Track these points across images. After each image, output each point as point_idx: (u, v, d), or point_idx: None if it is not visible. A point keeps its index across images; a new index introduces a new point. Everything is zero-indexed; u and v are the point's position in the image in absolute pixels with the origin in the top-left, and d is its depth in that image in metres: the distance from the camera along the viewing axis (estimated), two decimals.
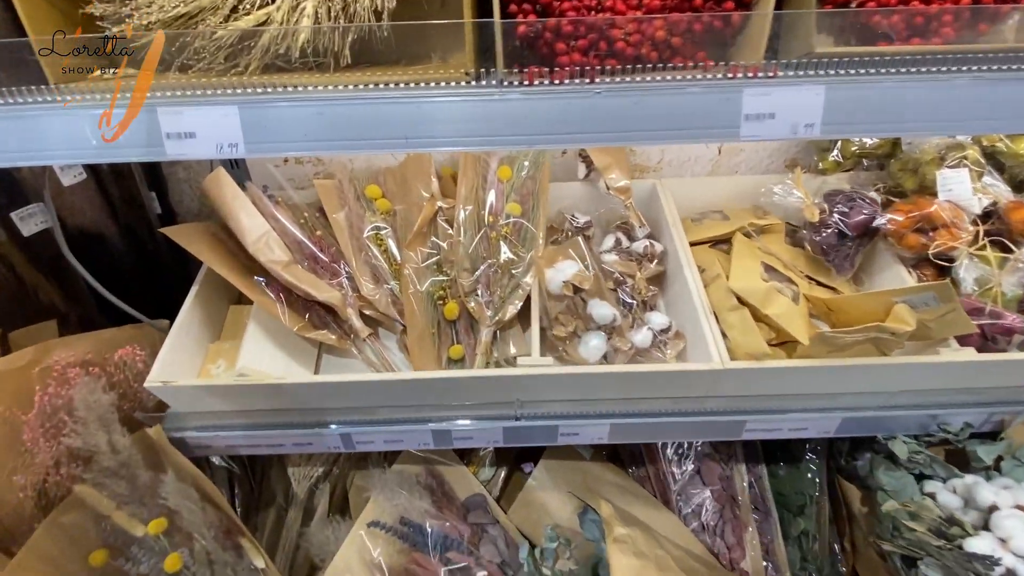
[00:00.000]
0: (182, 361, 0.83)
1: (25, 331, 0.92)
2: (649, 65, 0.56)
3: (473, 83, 0.57)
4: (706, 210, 1.06)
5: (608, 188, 0.98)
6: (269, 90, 0.56)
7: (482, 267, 0.86)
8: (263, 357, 0.82)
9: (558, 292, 0.82)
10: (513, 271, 0.87)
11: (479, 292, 0.86)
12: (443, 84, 0.57)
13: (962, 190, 0.84)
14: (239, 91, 0.56)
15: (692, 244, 0.95)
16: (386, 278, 0.90)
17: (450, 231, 0.91)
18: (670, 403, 0.81)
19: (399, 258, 0.91)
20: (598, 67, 0.55)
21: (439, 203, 0.91)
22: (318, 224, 0.93)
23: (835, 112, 0.55)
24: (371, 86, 0.56)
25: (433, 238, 0.91)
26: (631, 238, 0.98)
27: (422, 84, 0.57)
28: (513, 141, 0.57)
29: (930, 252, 0.83)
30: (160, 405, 0.84)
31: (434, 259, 0.90)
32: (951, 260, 0.85)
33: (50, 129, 0.57)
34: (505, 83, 0.56)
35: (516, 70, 0.56)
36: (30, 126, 0.56)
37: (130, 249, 1.00)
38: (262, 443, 0.82)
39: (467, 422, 0.80)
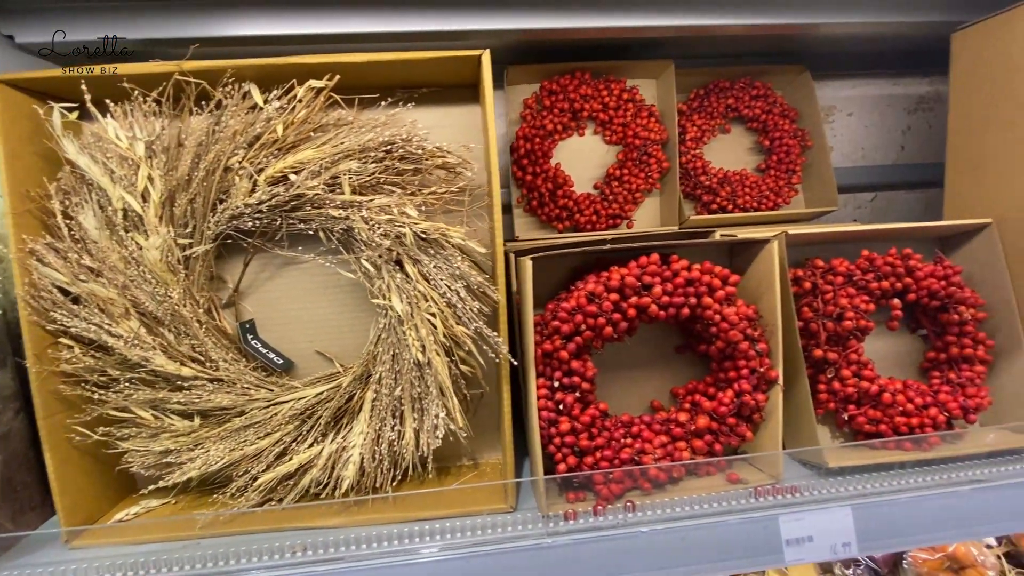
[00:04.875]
0: None
1: None
2: (688, 501, 0.59)
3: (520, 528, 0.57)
4: None
5: None
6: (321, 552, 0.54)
7: None
8: None
9: None
10: None
11: None
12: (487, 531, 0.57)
13: None
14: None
15: None
16: None
17: None
18: None
19: None
20: (638, 503, 0.57)
21: None
22: None
23: (867, 531, 0.57)
24: (418, 540, 0.55)
25: None
26: None
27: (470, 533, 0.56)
28: None
29: None
30: None
31: None
32: None
33: None
34: (551, 524, 0.56)
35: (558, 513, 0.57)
36: None
37: None
38: None
39: None
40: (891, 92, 1.10)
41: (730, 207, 0.94)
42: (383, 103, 0.61)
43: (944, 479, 0.61)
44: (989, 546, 0.86)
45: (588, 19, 0.81)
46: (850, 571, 0.87)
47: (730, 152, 1.02)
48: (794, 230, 0.66)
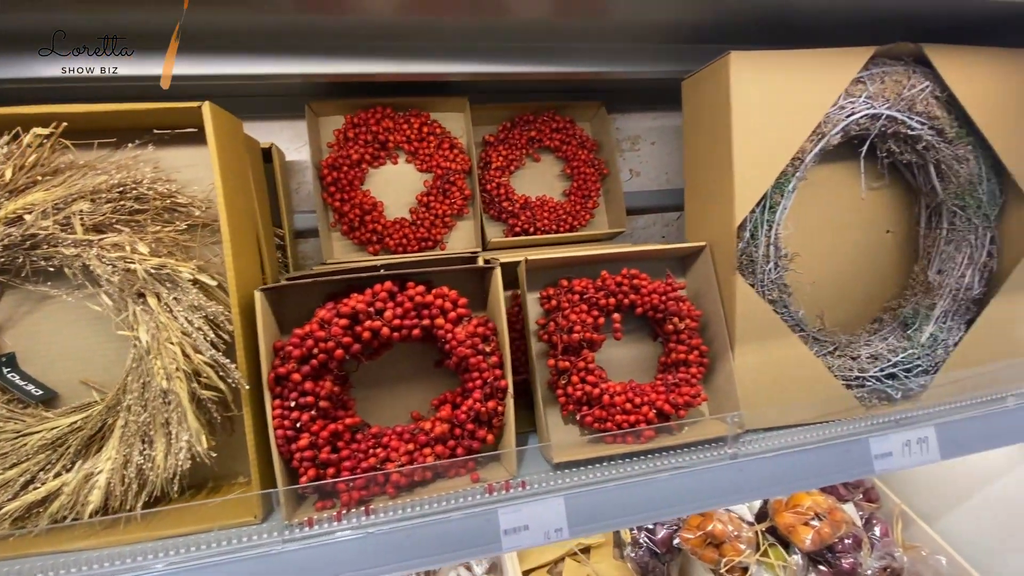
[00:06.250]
0: None
1: None
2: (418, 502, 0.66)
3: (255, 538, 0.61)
4: None
5: None
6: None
7: None
8: None
9: None
10: None
11: None
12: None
13: None
14: None
15: (526, 573, 0.98)
16: None
17: None
18: None
19: None
20: (372, 508, 0.64)
21: None
22: None
23: (577, 517, 0.66)
24: (151, 556, 0.59)
25: None
26: None
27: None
28: None
29: (723, 570, 0.92)
30: None
31: None
32: (747, 569, 0.95)
33: None
34: (287, 532, 0.62)
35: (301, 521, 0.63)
36: None
37: None
38: None
39: None
40: None
41: (531, 229, 1.04)
42: (129, 144, 0.65)
43: (651, 467, 0.71)
44: (750, 523, 0.99)
45: (388, 65, 0.88)
46: (634, 554, 0.97)
47: (542, 179, 1.12)
48: (534, 255, 0.75)
